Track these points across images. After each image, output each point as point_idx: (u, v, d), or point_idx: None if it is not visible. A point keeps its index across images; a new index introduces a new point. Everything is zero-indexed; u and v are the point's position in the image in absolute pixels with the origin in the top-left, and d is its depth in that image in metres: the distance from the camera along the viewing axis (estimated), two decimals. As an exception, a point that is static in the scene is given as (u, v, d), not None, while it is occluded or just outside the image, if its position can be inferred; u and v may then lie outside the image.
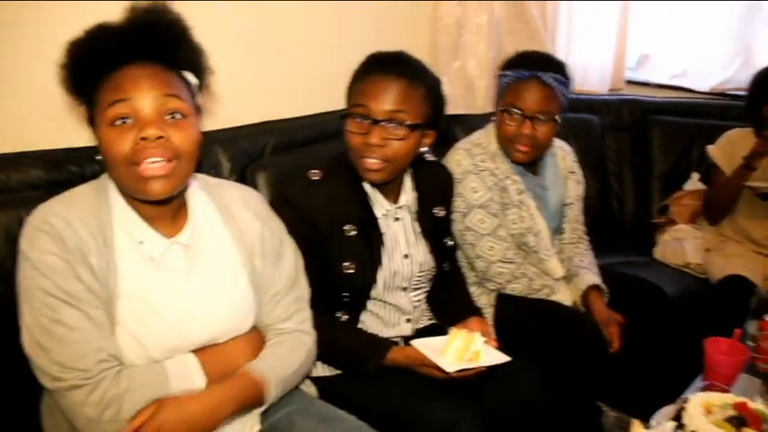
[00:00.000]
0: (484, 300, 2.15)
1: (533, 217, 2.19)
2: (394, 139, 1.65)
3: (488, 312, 2.12)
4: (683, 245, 2.76)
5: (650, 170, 3.12)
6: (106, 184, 1.36)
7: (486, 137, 2.19)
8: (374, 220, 1.78)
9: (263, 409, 1.44)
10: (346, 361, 1.75)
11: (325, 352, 1.65)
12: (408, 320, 1.88)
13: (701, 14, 3.27)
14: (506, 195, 2.14)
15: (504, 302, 2.14)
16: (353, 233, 1.73)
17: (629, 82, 3.50)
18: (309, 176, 1.73)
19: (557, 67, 2.07)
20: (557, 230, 2.32)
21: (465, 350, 1.58)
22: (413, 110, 1.65)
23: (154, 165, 1.24)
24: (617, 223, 3.11)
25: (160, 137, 1.24)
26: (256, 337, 1.50)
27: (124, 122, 1.24)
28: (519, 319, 2.07)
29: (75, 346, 1.21)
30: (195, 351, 1.37)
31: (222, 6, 2.11)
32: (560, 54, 3.26)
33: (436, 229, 1.90)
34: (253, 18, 2.24)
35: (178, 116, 1.28)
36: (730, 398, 1.43)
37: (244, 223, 1.47)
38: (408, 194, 1.84)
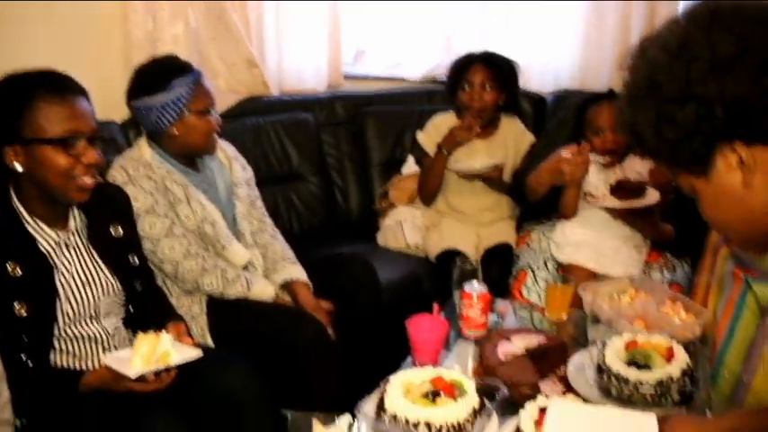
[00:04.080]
0: (196, 309, 2.15)
1: (205, 208, 2.21)
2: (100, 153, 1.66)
3: (203, 320, 2.12)
4: (403, 227, 2.86)
5: (369, 160, 3.22)
6: None
7: (137, 151, 2.20)
8: (40, 253, 1.66)
9: None
10: (42, 406, 1.63)
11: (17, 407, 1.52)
12: (105, 350, 1.78)
13: (408, 9, 3.46)
14: (171, 194, 2.15)
15: (216, 308, 2.16)
16: (19, 272, 1.60)
17: (348, 77, 3.57)
18: None
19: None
20: (233, 216, 2.35)
21: (152, 353, 1.56)
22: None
23: None
24: (344, 217, 3.18)
25: None
26: None
27: None
28: (235, 322, 2.12)
29: None
30: None
31: None
32: (272, 58, 3.26)
33: (116, 249, 1.83)
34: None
35: None
36: (429, 373, 1.49)
37: None
38: (77, 218, 1.75)
